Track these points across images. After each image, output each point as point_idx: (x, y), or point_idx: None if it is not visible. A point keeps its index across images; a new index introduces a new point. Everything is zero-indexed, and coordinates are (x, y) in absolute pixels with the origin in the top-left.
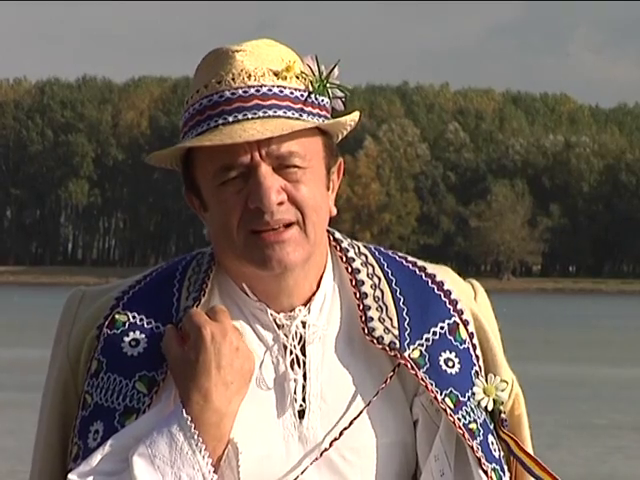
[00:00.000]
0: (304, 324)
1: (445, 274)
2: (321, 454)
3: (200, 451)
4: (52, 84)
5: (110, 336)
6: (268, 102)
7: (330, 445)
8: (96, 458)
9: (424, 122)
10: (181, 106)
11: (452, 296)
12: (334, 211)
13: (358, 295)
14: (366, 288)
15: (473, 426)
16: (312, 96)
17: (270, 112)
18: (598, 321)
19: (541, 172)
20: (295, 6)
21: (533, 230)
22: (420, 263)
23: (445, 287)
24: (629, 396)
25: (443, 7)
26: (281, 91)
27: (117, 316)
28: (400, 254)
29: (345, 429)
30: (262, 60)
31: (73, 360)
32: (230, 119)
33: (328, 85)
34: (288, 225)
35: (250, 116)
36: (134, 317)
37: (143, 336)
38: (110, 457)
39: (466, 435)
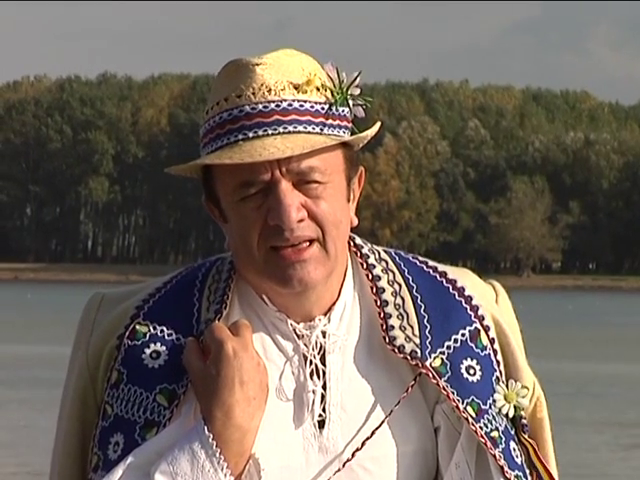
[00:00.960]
0: (324, 334)
1: (466, 278)
2: (343, 465)
3: (222, 469)
4: (72, 81)
5: (131, 347)
6: (288, 117)
7: (352, 456)
8: (117, 473)
9: (443, 119)
10: (201, 103)
11: (473, 302)
12: (355, 221)
13: (379, 303)
14: (387, 296)
15: (495, 434)
16: (333, 108)
17: (290, 128)
18: (618, 318)
19: (561, 169)
20: (314, 4)
21: (553, 227)
22: (441, 268)
23: (466, 293)
24: None
25: (461, 4)
26: (302, 105)
27: (138, 327)
28: (421, 259)
29: (367, 439)
30: (282, 73)
31: (92, 367)
32: (250, 135)
33: (349, 96)
34: (308, 242)
35: (270, 132)
36: (155, 328)
37: (164, 348)
38: (132, 472)
39: (488, 444)
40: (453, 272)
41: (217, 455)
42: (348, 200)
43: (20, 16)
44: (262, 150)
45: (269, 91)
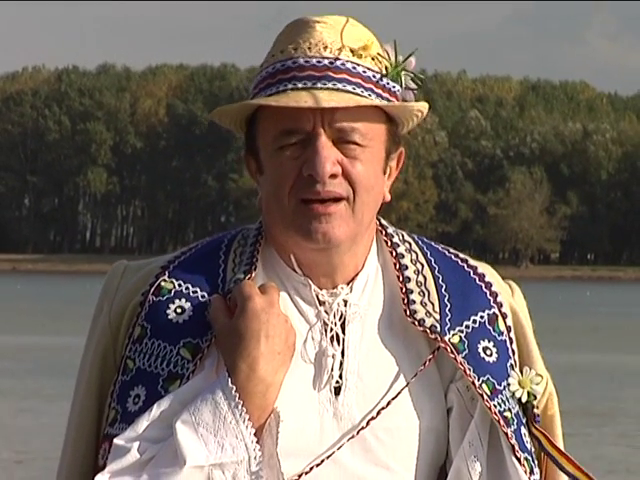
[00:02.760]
0: (345, 302)
1: (485, 268)
2: (357, 432)
3: (244, 421)
4: (70, 72)
5: (155, 303)
6: (339, 76)
7: (367, 424)
8: (142, 424)
9: (442, 109)
10: (198, 94)
11: (493, 288)
12: (388, 197)
13: (401, 278)
14: (409, 272)
15: (508, 414)
16: (384, 79)
17: (340, 85)
18: (616, 309)
19: (559, 160)
20: None
21: (551, 218)
22: (462, 255)
23: (486, 279)
24: None
25: None
26: (354, 68)
27: (163, 284)
28: (442, 245)
29: (383, 409)
30: (341, 36)
31: (114, 326)
32: (299, 85)
33: (403, 73)
34: (337, 200)
35: (320, 85)
36: (180, 285)
37: (189, 304)
38: (156, 423)
39: (501, 422)
40: (473, 261)
41: (239, 407)
42: (384, 173)
43: (19, 7)
44: (308, 98)
45: (325, 48)
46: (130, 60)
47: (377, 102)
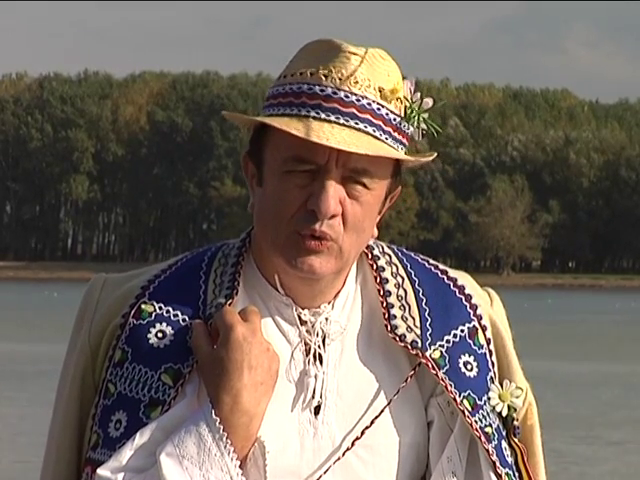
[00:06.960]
0: (326, 320)
1: (465, 279)
2: (343, 454)
3: (229, 453)
4: (51, 79)
5: (136, 326)
6: (363, 115)
7: (352, 444)
8: (126, 453)
9: None
10: (180, 101)
11: (472, 300)
12: (376, 233)
13: (382, 292)
14: (390, 286)
15: (489, 430)
16: (403, 123)
17: (361, 125)
18: (597, 317)
19: (541, 168)
20: (293, 2)
21: (533, 226)
22: (442, 267)
23: (466, 291)
24: (629, 392)
25: (440, 3)
26: (379, 109)
27: (143, 306)
28: (422, 257)
29: (367, 428)
30: (372, 72)
31: (94, 345)
32: (322, 115)
33: (421, 118)
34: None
35: (342, 121)
36: (160, 308)
37: (170, 328)
38: (139, 452)
39: (482, 438)
40: (453, 272)
41: (224, 439)
42: (379, 212)
43: (0, 14)
44: (330, 135)
45: (356, 83)
46: (112, 67)
47: (393, 152)
